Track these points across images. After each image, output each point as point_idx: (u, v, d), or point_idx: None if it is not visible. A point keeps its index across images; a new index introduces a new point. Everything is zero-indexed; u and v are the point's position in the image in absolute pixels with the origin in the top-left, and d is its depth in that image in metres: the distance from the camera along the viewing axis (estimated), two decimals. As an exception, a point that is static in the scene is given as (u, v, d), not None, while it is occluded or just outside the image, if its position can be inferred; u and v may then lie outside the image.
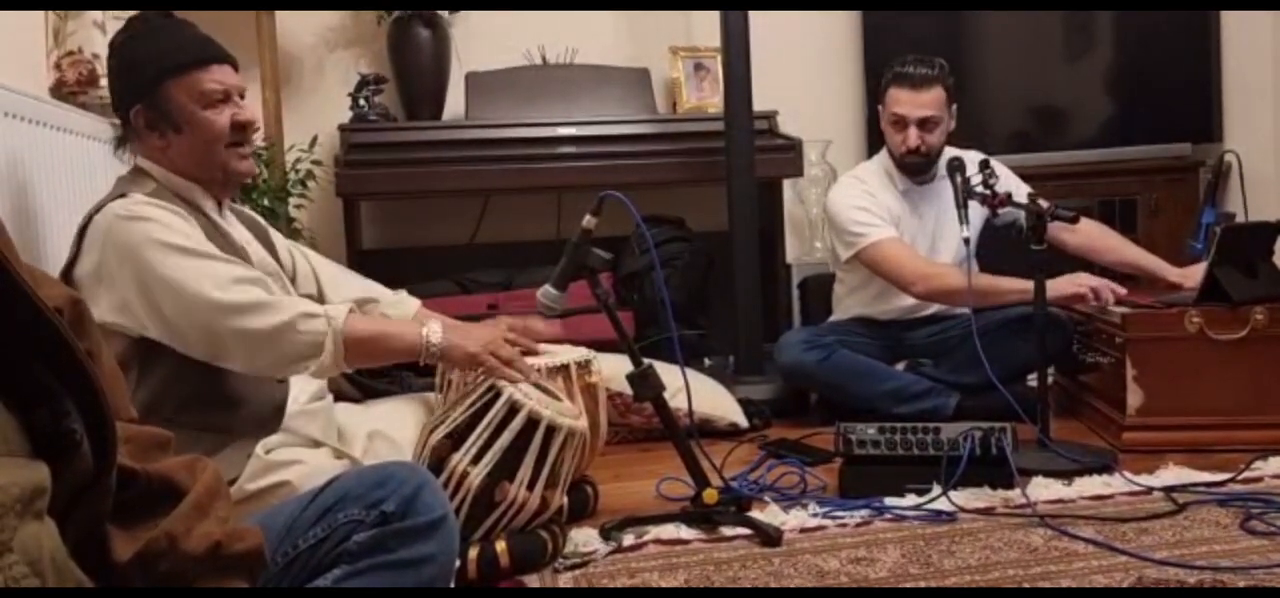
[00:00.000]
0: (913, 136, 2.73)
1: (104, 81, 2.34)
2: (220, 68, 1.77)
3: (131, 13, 2.47)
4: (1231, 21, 3.83)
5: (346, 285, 2.08)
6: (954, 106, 2.80)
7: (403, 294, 2.15)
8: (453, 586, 1.24)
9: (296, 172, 3.17)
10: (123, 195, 1.71)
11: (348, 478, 1.20)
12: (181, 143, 1.75)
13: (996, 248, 2.91)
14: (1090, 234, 2.84)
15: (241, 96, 1.81)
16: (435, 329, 1.80)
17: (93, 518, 0.78)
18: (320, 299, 1.98)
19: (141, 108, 1.73)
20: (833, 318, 3.02)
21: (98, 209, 1.70)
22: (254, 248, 1.88)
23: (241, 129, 1.79)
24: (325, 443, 1.77)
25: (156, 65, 1.73)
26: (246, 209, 2.04)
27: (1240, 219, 3.65)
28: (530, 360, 1.97)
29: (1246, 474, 2.05)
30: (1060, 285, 2.49)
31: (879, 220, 2.77)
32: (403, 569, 1.13)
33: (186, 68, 1.74)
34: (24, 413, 0.72)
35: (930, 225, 2.86)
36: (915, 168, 2.78)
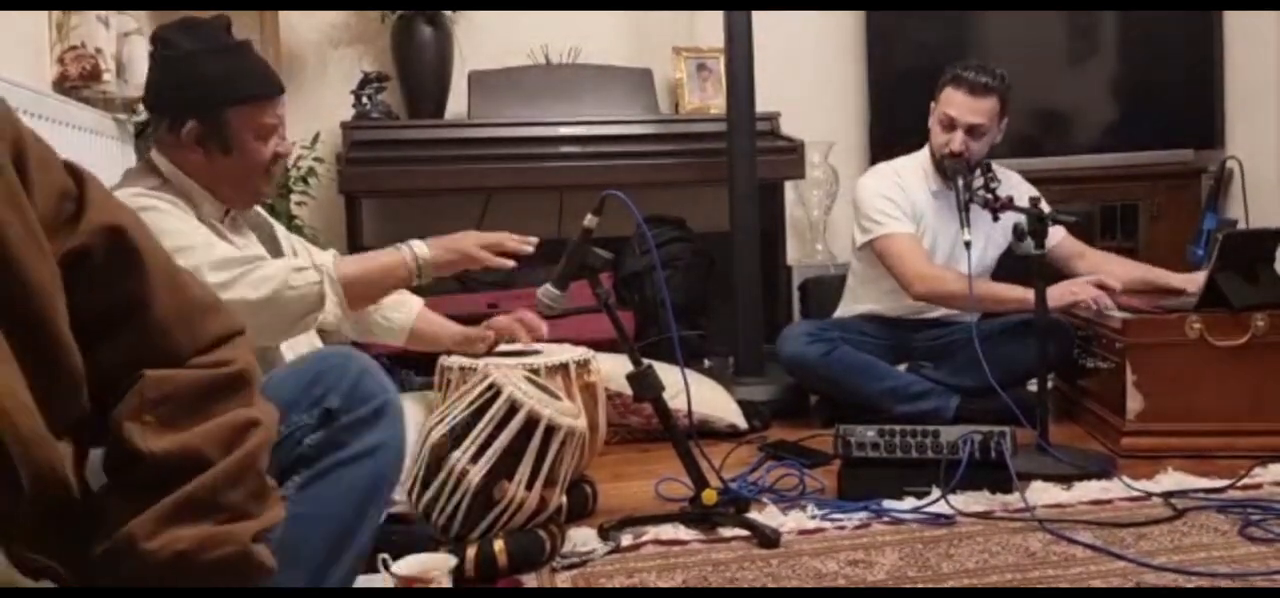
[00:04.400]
0: (957, 141, 2.70)
1: (108, 76, 2.34)
2: (279, 101, 1.79)
3: (132, 11, 2.48)
4: (1235, 29, 3.82)
5: None
6: (1005, 121, 2.77)
7: (404, 293, 2.15)
8: (401, 492, 1.24)
9: (298, 168, 3.17)
10: (125, 187, 1.71)
11: (281, 380, 1.18)
12: (226, 164, 1.75)
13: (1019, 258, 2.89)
14: (1097, 262, 2.83)
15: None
16: (420, 245, 1.83)
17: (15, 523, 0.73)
18: None
19: (197, 124, 1.72)
20: (839, 313, 3.02)
21: None
22: (253, 249, 1.88)
23: (277, 159, 1.81)
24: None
25: (228, 89, 1.73)
26: (255, 207, 2.04)
27: (1242, 225, 3.64)
28: (530, 360, 1.97)
29: (1245, 481, 2.05)
30: (1059, 294, 2.48)
31: (900, 214, 2.77)
32: (359, 461, 1.14)
33: (254, 100, 1.75)
34: None
35: (953, 231, 2.85)
36: (951, 172, 2.72)
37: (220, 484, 0.81)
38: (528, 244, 1.92)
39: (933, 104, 2.81)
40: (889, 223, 2.76)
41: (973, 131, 2.70)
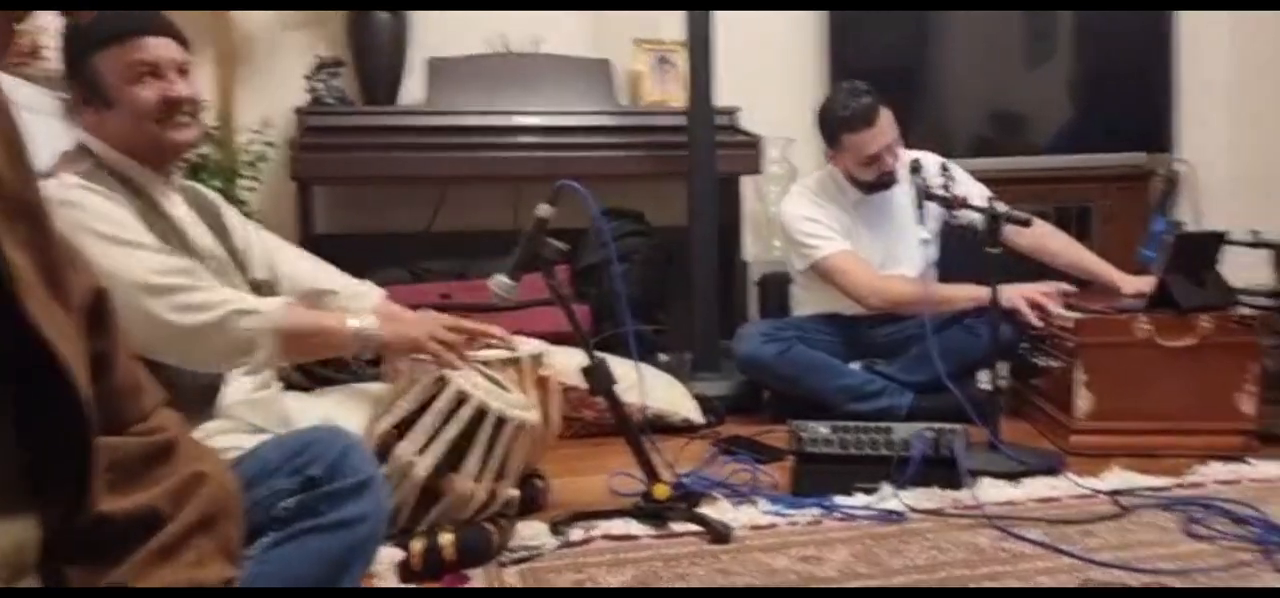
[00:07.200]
0: (887, 161, 2.75)
1: (48, 53, 2.28)
2: (154, 40, 1.68)
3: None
4: (1188, 34, 3.88)
5: (303, 273, 2.02)
6: None
7: (368, 285, 2.10)
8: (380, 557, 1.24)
9: (247, 153, 3.10)
10: (53, 176, 1.64)
11: (267, 448, 1.18)
12: (113, 119, 1.67)
13: (951, 249, 2.92)
14: (1041, 235, 2.87)
15: (181, 72, 1.71)
16: (372, 322, 1.79)
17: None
18: (273, 286, 1.93)
19: (76, 83, 1.68)
20: (795, 313, 3.02)
21: None
22: (198, 231, 1.80)
23: (173, 106, 1.69)
24: (267, 430, 1.72)
25: (87, 38, 1.67)
26: (198, 187, 1.97)
27: (1188, 228, 3.70)
28: (483, 353, 1.94)
29: (1190, 479, 2.08)
30: (1010, 295, 2.52)
31: (830, 233, 2.81)
32: (334, 531, 1.13)
33: (112, 40, 1.65)
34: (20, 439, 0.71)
35: (883, 234, 2.88)
36: (886, 184, 2.79)
37: (188, 533, 0.85)
38: (491, 331, 1.90)
39: (827, 152, 2.87)
40: (824, 243, 2.80)
41: (890, 147, 2.75)
